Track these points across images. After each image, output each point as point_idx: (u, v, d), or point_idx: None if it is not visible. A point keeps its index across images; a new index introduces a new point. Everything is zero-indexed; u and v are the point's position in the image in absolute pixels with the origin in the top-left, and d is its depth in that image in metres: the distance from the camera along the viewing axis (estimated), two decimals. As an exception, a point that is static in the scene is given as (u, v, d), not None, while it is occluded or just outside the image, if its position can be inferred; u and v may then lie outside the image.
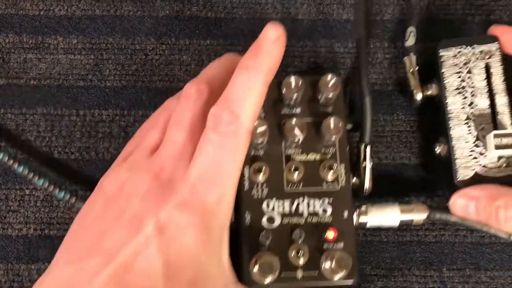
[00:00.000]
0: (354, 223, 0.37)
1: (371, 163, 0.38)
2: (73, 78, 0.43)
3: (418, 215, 0.37)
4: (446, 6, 0.44)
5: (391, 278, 0.40)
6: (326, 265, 0.35)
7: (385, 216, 0.37)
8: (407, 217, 0.37)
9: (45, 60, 0.43)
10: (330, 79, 0.37)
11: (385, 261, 0.40)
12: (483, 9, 0.44)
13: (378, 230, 0.40)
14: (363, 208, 0.37)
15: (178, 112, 0.34)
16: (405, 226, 0.40)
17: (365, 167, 0.38)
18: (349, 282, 0.35)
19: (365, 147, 0.38)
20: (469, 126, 0.38)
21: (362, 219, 0.37)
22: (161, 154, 0.33)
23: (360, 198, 0.39)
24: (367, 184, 0.38)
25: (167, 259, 0.30)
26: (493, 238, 0.40)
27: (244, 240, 0.36)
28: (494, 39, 0.39)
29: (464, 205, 0.36)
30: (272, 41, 0.33)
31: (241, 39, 0.44)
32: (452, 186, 0.38)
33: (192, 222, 0.30)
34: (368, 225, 0.38)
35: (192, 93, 0.34)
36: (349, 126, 0.39)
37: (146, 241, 0.30)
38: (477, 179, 0.36)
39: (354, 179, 0.38)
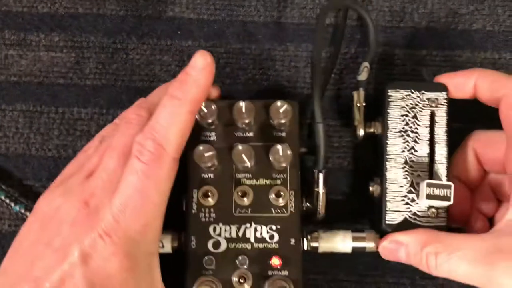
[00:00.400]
0: (306, 248, 0.37)
1: (325, 189, 0.37)
2: (53, 75, 0.43)
3: (370, 243, 0.37)
4: (429, 14, 0.44)
5: (364, 285, 0.40)
6: None
7: (337, 243, 0.37)
8: (359, 244, 0.37)
9: (26, 56, 0.43)
10: (280, 106, 0.36)
11: (358, 268, 0.40)
12: (465, 18, 0.44)
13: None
14: (315, 234, 0.37)
15: (114, 137, 0.34)
16: (358, 253, 0.39)
17: (318, 193, 0.37)
18: None
19: (318, 173, 0.37)
20: (405, 171, 0.37)
21: (314, 244, 0.37)
22: (93, 181, 0.33)
23: (314, 223, 0.38)
24: (320, 210, 0.37)
25: (92, 286, 0.30)
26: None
27: (188, 263, 0.35)
28: (443, 88, 0.38)
29: (393, 249, 0.36)
30: (199, 69, 0.33)
31: (223, 41, 0.44)
32: (380, 227, 0.37)
33: (115, 250, 0.30)
34: (320, 250, 0.37)
35: (130, 118, 0.35)
36: (303, 150, 0.38)
37: (71, 269, 0.30)
38: (405, 226, 0.36)
39: (307, 204, 0.38)
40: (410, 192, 0.37)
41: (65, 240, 0.31)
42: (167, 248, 0.37)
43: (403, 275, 0.40)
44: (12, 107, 0.42)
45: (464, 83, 0.37)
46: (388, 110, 0.38)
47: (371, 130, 0.39)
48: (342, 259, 0.40)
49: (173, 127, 0.32)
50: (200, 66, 0.33)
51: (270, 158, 0.36)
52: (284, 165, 0.36)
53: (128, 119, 0.35)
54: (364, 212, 0.41)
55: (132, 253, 0.31)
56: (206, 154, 0.35)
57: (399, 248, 0.35)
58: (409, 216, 0.37)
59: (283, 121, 0.36)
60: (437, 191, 0.35)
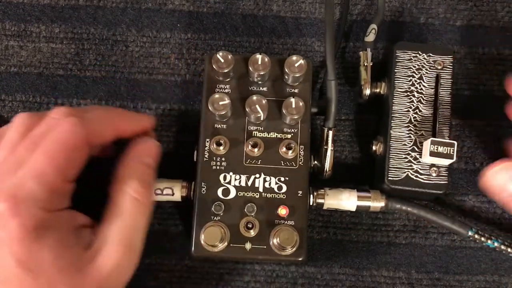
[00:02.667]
0: (311, 204, 0.38)
1: (333, 147, 0.38)
2: (53, 66, 0.43)
3: (375, 203, 0.38)
4: (427, 9, 0.45)
5: (360, 278, 0.40)
6: (275, 240, 0.36)
7: (342, 200, 0.38)
8: (364, 203, 0.38)
9: (26, 47, 0.44)
10: (296, 61, 0.37)
11: (354, 261, 0.40)
12: (464, 13, 0.44)
13: (348, 230, 0.40)
14: (321, 190, 0.38)
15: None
16: (363, 213, 0.40)
17: (326, 151, 0.38)
18: (297, 259, 0.36)
19: (328, 131, 0.38)
20: (409, 130, 0.38)
21: (320, 200, 0.38)
22: None
23: (320, 182, 0.39)
24: (327, 167, 0.38)
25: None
26: (463, 242, 0.40)
27: (198, 209, 0.37)
28: (449, 51, 0.39)
29: None
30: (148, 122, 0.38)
31: (222, 34, 0.44)
32: (382, 184, 0.38)
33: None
34: (325, 207, 0.38)
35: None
36: (314, 110, 0.39)
37: None
38: (406, 183, 0.37)
39: (315, 162, 0.38)
40: (413, 150, 0.38)
41: None
42: (177, 196, 0.38)
43: (399, 268, 0.40)
44: (12, 98, 0.43)
45: None
46: (395, 70, 0.39)
47: (377, 90, 0.40)
48: (338, 252, 0.40)
49: (102, 123, 0.35)
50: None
51: (283, 111, 0.37)
52: (296, 117, 0.37)
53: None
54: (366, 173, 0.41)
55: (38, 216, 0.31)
56: (221, 102, 0.37)
57: None
58: (411, 173, 0.37)
59: (297, 75, 0.37)
60: (440, 149, 0.36)
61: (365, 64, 0.40)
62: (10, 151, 0.33)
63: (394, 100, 0.39)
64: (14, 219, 0.30)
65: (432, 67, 0.39)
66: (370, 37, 0.41)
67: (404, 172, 0.38)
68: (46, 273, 0.30)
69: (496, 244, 0.39)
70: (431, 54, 0.39)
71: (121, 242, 0.32)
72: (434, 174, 0.37)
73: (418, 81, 0.39)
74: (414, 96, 0.39)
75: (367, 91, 0.40)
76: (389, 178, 0.38)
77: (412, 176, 0.37)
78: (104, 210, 0.33)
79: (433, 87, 0.39)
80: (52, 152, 0.32)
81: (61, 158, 0.32)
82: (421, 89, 0.39)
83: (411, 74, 0.39)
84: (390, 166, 0.38)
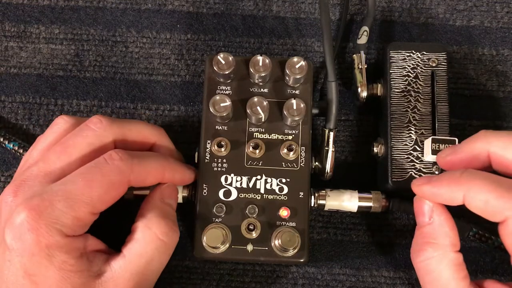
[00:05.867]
0: (313, 205, 0.38)
1: (334, 148, 0.38)
2: (53, 67, 0.43)
3: (376, 204, 0.38)
4: (427, 9, 0.45)
5: (360, 278, 0.40)
6: (276, 242, 0.36)
7: (343, 202, 0.38)
8: (366, 204, 0.38)
9: (26, 48, 0.44)
10: (297, 62, 0.37)
11: (354, 261, 0.40)
12: (464, 14, 0.44)
13: (348, 230, 0.40)
14: (323, 191, 0.38)
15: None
16: (363, 213, 0.40)
17: (327, 152, 0.38)
18: (299, 260, 0.36)
19: (329, 132, 0.38)
20: (409, 130, 0.38)
21: (321, 201, 0.38)
22: (29, 170, 0.34)
23: (321, 183, 0.39)
24: (328, 168, 0.38)
25: (23, 269, 0.31)
26: (463, 242, 0.40)
27: (199, 210, 0.37)
28: (442, 48, 0.40)
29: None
30: (190, 178, 0.38)
31: (222, 34, 0.44)
32: (386, 185, 0.38)
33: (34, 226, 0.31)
34: (326, 208, 0.38)
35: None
36: (315, 111, 0.39)
37: (6, 255, 0.31)
38: (410, 183, 0.36)
39: (316, 163, 0.39)
40: (414, 150, 0.38)
41: (2, 227, 0.32)
42: (178, 198, 0.38)
43: (399, 269, 0.40)
44: (12, 99, 0.43)
45: (450, 197, 0.32)
46: (391, 71, 0.39)
47: (373, 92, 0.40)
48: (338, 252, 0.40)
49: (151, 170, 0.34)
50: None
51: (284, 112, 0.37)
52: (297, 119, 0.37)
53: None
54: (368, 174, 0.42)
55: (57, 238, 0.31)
56: (222, 104, 0.37)
57: None
58: (414, 173, 0.38)
59: (298, 77, 0.37)
60: (442, 146, 0.36)
61: (360, 67, 0.40)
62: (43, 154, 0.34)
63: (391, 101, 0.39)
64: (31, 233, 0.30)
65: (426, 65, 0.39)
66: (363, 39, 0.41)
67: (408, 172, 0.38)
68: None
69: (496, 244, 0.39)
70: (424, 52, 0.39)
71: (134, 279, 0.32)
72: (437, 172, 0.37)
73: (414, 80, 0.39)
74: (411, 95, 0.39)
75: (364, 94, 0.40)
76: (393, 179, 0.38)
77: (416, 176, 0.37)
78: (125, 243, 0.33)
79: (429, 85, 0.39)
80: (93, 183, 0.32)
81: (99, 193, 0.32)
82: (418, 88, 0.39)
83: (406, 73, 0.39)
84: (393, 167, 0.38)
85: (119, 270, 0.32)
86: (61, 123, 0.36)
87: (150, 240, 0.33)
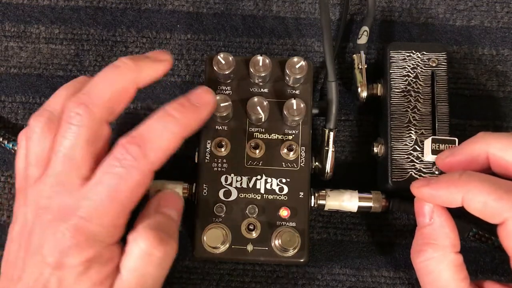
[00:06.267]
0: (313, 205, 0.38)
1: (334, 148, 0.38)
2: (53, 67, 0.43)
3: (376, 204, 0.38)
4: (427, 9, 0.45)
5: (360, 278, 0.40)
6: (276, 242, 0.36)
7: (343, 202, 0.38)
8: (366, 204, 0.38)
9: (26, 48, 0.44)
10: (297, 62, 0.37)
11: (354, 261, 0.40)
12: (464, 14, 0.44)
13: (348, 230, 0.40)
14: (323, 192, 0.38)
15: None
16: (363, 213, 0.40)
17: (327, 152, 0.38)
18: (299, 260, 0.36)
19: (329, 132, 0.38)
20: (409, 130, 0.38)
21: (321, 201, 0.38)
22: (46, 179, 0.32)
23: (321, 183, 0.39)
24: (328, 168, 0.38)
25: None
26: (463, 242, 0.40)
27: (199, 211, 0.37)
28: (442, 48, 0.40)
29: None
30: (206, 103, 0.33)
31: (222, 34, 0.44)
32: (386, 185, 0.38)
33: (82, 252, 0.31)
34: (326, 208, 0.38)
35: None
36: (315, 111, 0.39)
37: (49, 275, 0.30)
38: (410, 182, 0.36)
39: (316, 163, 0.39)
40: (414, 150, 0.38)
41: (40, 248, 0.31)
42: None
43: (399, 269, 0.40)
44: (12, 99, 0.43)
45: (449, 199, 0.32)
46: (391, 71, 0.39)
47: (374, 91, 0.40)
48: (338, 252, 0.40)
49: (163, 145, 0.31)
50: (208, 101, 0.33)
51: (284, 112, 0.37)
52: (297, 119, 0.37)
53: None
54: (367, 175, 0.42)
55: (96, 250, 0.31)
56: (222, 104, 0.37)
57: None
58: (414, 173, 0.38)
59: (298, 77, 0.37)
60: (442, 146, 0.36)
61: (360, 67, 0.40)
62: (44, 167, 0.32)
63: (391, 101, 0.39)
64: (75, 251, 0.30)
65: (426, 65, 0.39)
66: (363, 39, 0.41)
67: (408, 172, 0.38)
68: None
69: (496, 244, 0.39)
70: (424, 52, 0.39)
71: None
72: (437, 172, 0.37)
73: (414, 80, 0.39)
74: (411, 95, 0.39)
75: (364, 94, 0.40)
76: (393, 179, 0.38)
77: (416, 176, 0.37)
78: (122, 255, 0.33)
79: (429, 85, 0.39)
80: (116, 191, 0.31)
81: (126, 197, 0.31)
82: (418, 88, 0.39)
83: (406, 73, 0.39)
84: (393, 167, 0.38)
85: (122, 280, 0.32)
86: (37, 129, 0.33)
87: (139, 255, 0.31)
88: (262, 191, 0.37)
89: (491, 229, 0.39)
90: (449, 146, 0.36)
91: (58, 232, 0.30)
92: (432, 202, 0.33)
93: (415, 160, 0.38)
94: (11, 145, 0.41)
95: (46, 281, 0.30)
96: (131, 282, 0.31)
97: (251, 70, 0.37)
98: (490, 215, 0.31)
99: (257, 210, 0.37)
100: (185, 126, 0.32)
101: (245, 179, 0.37)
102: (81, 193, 0.31)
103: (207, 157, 0.38)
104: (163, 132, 0.32)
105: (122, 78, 0.33)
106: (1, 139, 0.41)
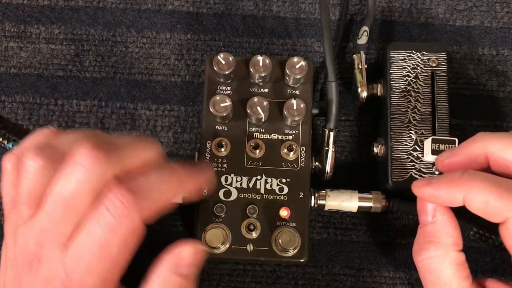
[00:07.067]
0: (313, 205, 0.38)
1: (334, 148, 0.38)
2: (53, 67, 0.43)
3: (376, 204, 0.38)
4: (427, 9, 0.45)
5: (360, 278, 0.40)
6: (277, 242, 0.36)
7: (343, 202, 0.38)
8: (365, 204, 0.38)
9: (26, 49, 0.44)
10: (297, 62, 0.37)
11: (354, 261, 0.40)
12: (464, 14, 0.44)
13: (348, 230, 0.40)
14: (323, 192, 0.38)
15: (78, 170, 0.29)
16: (363, 213, 0.40)
17: (327, 152, 0.38)
18: (299, 260, 0.36)
19: (329, 133, 0.38)
20: (409, 130, 0.38)
21: (321, 201, 0.38)
22: (38, 223, 0.30)
23: (321, 183, 0.39)
24: (328, 168, 0.38)
25: None
26: (464, 242, 0.40)
27: (199, 210, 0.37)
28: (443, 48, 0.40)
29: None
30: (209, 172, 0.35)
31: (222, 34, 0.44)
32: (386, 185, 0.38)
33: None
34: (326, 208, 0.38)
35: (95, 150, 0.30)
36: (315, 111, 0.39)
37: None
38: (410, 183, 0.36)
39: (316, 163, 0.39)
40: (414, 150, 0.38)
41: None
42: (178, 198, 0.37)
43: (399, 269, 0.40)
44: (12, 99, 0.43)
45: (450, 199, 0.32)
46: (391, 71, 0.39)
47: (373, 92, 0.40)
48: (338, 252, 0.40)
49: (160, 198, 0.30)
50: (210, 173, 0.35)
51: (284, 113, 0.37)
52: (297, 119, 0.37)
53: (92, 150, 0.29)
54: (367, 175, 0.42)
55: None
56: (222, 104, 0.37)
57: None
58: (414, 173, 0.38)
59: (298, 77, 0.37)
60: (442, 146, 0.36)
61: (360, 67, 0.40)
62: (36, 206, 0.29)
63: (391, 101, 0.39)
64: None
65: (426, 65, 0.39)
66: (363, 40, 0.41)
67: (408, 172, 0.38)
68: None
69: (496, 243, 0.39)
70: (424, 52, 0.39)
71: None
72: (437, 173, 0.37)
73: (414, 80, 0.39)
74: (411, 95, 0.39)
75: (364, 94, 0.40)
76: (393, 179, 0.38)
77: (416, 176, 0.38)
78: None
79: (429, 85, 0.39)
80: (107, 245, 0.28)
81: (117, 251, 0.29)
82: (418, 88, 0.39)
83: (406, 73, 0.39)
84: (393, 167, 0.38)
85: None
86: (35, 164, 0.29)
87: None
88: (262, 191, 0.37)
89: (491, 229, 0.39)
90: (449, 146, 0.36)
91: None
92: (433, 202, 0.33)
93: (415, 160, 0.38)
94: (11, 145, 0.41)
95: None
96: None
97: (251, 70, 0.37)
98: (492, 214, 0.31)
99: (257, 210, 0.37)
100: (181, 186, 0.31)
101: (245, 179, 0.37)
102: (72, 247, 0.29)
103: (207, 157, 0.38)
104: (160, 185, 0.30)
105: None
106: (1, 139, 0.41)
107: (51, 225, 0.29)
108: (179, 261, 0.30)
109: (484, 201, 0.30)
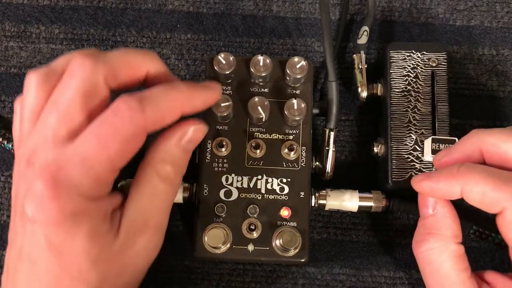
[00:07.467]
0: (313, 205, 0.38)
1: (334, 148, 0.38)
2: (53, 67, 0.43)
3: (377, 203, 0.38)
4: (427, 9, 0.45)
5: (360, 278, 0.40)
6: (277, 241, 0.36)
7: (344, 202, 0.38)
8: (366, 204, 0.38)
9: (26, 48, 0.44)
10: (297, 62, 0.37)
11: (354, 261, 0.40)
12: (464, 14, 0.44)
13: (348, 230, 0.40)
14: (323, 191, 0.38)
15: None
16: (363, 213, 0.41)
17: (327, 152, 0.38)
18: (300, 260, 0.36)
19: (329, 132, 0.38)
20: (409, 130, 0.38)
21: (322, 201, 0.38)
22: (34, 134, 0.32)
23: (321, 182, 0.39)
24: (328, 168, 0.38)
25: (48, 243, 0.29)
26: (464, 241, 0.40)
27: (200, 210, 0.37)
28: (443, 48, 0.40)
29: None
30: (214, 87, 0.34)
31: (222, 34, 0.44)
32: (386, 185, 0.38)
33: (53, 196, 0.29)
34: (327, 208, 0.38)
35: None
36: (315, 111, 0.39)
37: (28, 232, 0.30)
38: (410, 183, 0.36)
39: (317, 163, 0.39)
40: (414, 150, 0.38)
41: (21, 202, 0.30)
42: (179, 198, 0.38)
43: (399, 268, 0.40)
44: (12, 99, 0.43)
45: (449, 191, 0.32)
46: (391, 71, 0.39)
47: (374, 91, 0.40)
48: (338, 252, 0.40)
49: (163, 104, 0.31)
50: (215, 86, 0.34)
51: (285, 112, 0.37)
52: (298, 119, 0.37)
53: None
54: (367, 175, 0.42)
55: (80, 203, 0.29)
56: (223, 104, 0.37)
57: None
58: (414, 173, 0.38)
59: (298, 77, 0.37)
60: (442, 146, 0.36)
61: (360, 67, 0.40)
62: (36, 120, 0.31)
63: (391, 101, 0.39)
64: (53, 202, 0.28)
65: (427, 65, 0.39)
66: (363, 39, 0.41)
67: (408, 172, 0.38)
68: (75, 261, 0.30)
69: (496, 241, 0.39)
70: (424, 52, 0.39)
71: (148, 225, 0.32)
72: (436, 170, 0.37)
73: (414, 80, 0.39)
74: (411, 95, 0.39)
75: (364, 94, 0.40)
76: (393, 179, 0.38)
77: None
78: (131, 187, 0.32)
79: (429, 85, 0.39)
80: (105, 139, 0.29)
81: (115, 149, 0.29)
82: (418, 87, 0.39)
83: (406, 73, 0.39)
84: (393, 167, 0.38)
85: (133, 220, 0.31)
86: (33, 81, 0.31)
87: (158, 186, 0.32)
88: (263, 191, 0.37)
89: (490, 228, 0.39)
90: (449, 146, 0.36)
91: (37, 185, 0.29)
92: (433, 196, 0.33)
93: (415, 160, 0.38)
94: (11, 145, 0.41)
95: (34, 238, 0.29)
96: (137, 220, 0.31)
97: (252, 70, 0.37)
98: (489, 204, 0.31)
99: (258, 210, 0.37)
100: (188, 98, 0.32)
101: (245, 179, 0.37)
102: (68, 146, 0.29)
103: (208, 157, 0.38)
104: (166, 95, 0.31)
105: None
106: (1, 139, 0.41)
107: (47, 128, 0.30)
108: (180, 136, 0.33)
109: (481, 192, 0.31)
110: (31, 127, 0.31)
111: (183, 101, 0.32)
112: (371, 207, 0.38)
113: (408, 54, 0.39)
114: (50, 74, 0.32)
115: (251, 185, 0.37)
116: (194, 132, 0.33)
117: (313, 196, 0.38)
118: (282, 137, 0.38)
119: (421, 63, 0.39)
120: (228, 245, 0.36)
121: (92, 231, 0.30)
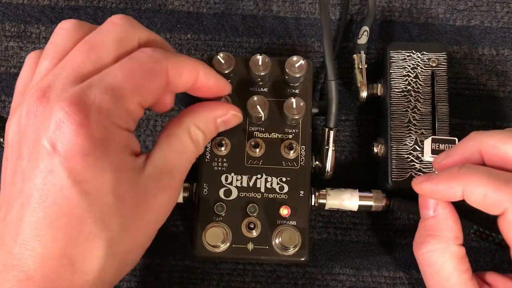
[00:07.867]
0: (313, 204, 0.38)
1: (334, 147, 0.38)
2: (53, 67, 0.43)
3: (377, 203, 0.38)
4: (427, 9, 0.45)
5: (360, 278, 0.40)
6: (277, 240, 0.36)
7: (344, 201, 0.38)
8: (366, 203, 0.38)
9: (26, 48, 0.44)
10: (296, 61, 0.38)
11: (354, 261, 0.40)
12: (464, 14, 0.44)
13: (348, 230, 0.40)
14: (323, 191, 0.38)
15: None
16: (363, 213, 0.41)
17: (327, 151, 0.38)
18: (299, 259, 0.36)
19: (329, 131, 0.38)
20: (409, 130, 0.39)
21: (321, 200, 0.38)
22: (52, 72, 0.30)
23: (321, 182, 0.39)
24: (328, 167, 0.38)
25: (72, 172, 0.26)
26: (464, 241, 0.40)
27: (200, 209, 0.37)
28: (443, 48, 0.40)
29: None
30: (225, 89, 0.36)
31: (222, 34, 0.44)
32: (386, 185, 0.38)
33: (79, 124, 0.27)
34: (327, 207, 0.38)
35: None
36: (315, 110, 0.39)
37: (48, 165, 0.27)
38: (410, 182, 0.36)
39: (317, 162, 0.39)
40: (414, 149, 0.38)
41: (32, 141, 0.27)
42: (179, 198, 0.38)
43: (399, 268, 0.40)
44: (12, 99, 0.43)
45: (450, 193, 0.32)
46: (391, 71, 0.39)
47: (374, 91, 0.40)
48: (338, 252, 0.40)
49: (188, 61, 0.32)
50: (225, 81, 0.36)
51: (284, 111, 0.37)
52: (297, 117, 0.37)
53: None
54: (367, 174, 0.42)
55: (108, 129, 0.28)
56: None
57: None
58: (414, 173, 0.38)
59: (297, 75, 0.37)
60: (442, 146, 0.36)
61: (360, 67, 0.40)
62: (59, 61, 0.30)
63: (391, 101, 0.39)
64: (80, 129, 0.26)
65: (427, 65, 0.39)
66: (363, 39, 0.41)
67: (408, 172, 0.38)
68: (102, 201, 0.27)
69: (496, 241, 0.39)
70: (424, 52, 0.40)
71: (173, 175, 0.32)
72: (437, 172, 0.37)
73: (414, 80, 0.39)
74: (411, 95, 0.39)
75: (364, 94, 0.40)
76: (393, 179, 0.38)
77: (416, 176, 0.38)
78: (159, 138, 0.32)
79: (429, 85, 0.39)
80: (132, 70, 0.29)
81: (141, 79, 0.29)
82: (418, 87, 0.39)
83: (406, 73, 0.39)
84: (393, 167, 0.38)
85: (161, 168, 0.31)
86: (66, 26, 0.31)
87: (189, 143, 0.33)
88: (263, 190, 0.37)
89: (491, 227, 0.39)
90: (449, 146, 0.36)
91: (58, 113, 0.26)
92: (433, 197, 0.33)
93: (415, 160, 0.38)
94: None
95: (50, 178, 0.26)
96: (163, 168, 0.31)
97: (251, 69, 0.38)
98: (490, 206, 0.31)
99: (257, 209, 0.37)
100: (205, 74, 0.33)
101: (245, 178, 0.37)
102: (93, 78, 0.28)
103: (207, 157, 0.38)
104: (188, 59, 0.32)
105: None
106: (1, 140, 0.41)
107: (72, 64, 0.29)
108: (222, 115, 0.35)
109: (483, 194, 0.31)
110: (51, 66, 0.30)
111: (200, 69, 0.33)
112: (371, 206, 0.38)
113: (408, 54, 0.39)
114: (84, 24, 0.32)
115: (251, 184, 0.37)
116: (233, 116, 0.35)
117: (313, 195, 0.38)
118: (282, 136, 0.38)
119: (421, 63, 0.39)
120: (228, 244, 0.36)
121: (122, 165, 0.28)
